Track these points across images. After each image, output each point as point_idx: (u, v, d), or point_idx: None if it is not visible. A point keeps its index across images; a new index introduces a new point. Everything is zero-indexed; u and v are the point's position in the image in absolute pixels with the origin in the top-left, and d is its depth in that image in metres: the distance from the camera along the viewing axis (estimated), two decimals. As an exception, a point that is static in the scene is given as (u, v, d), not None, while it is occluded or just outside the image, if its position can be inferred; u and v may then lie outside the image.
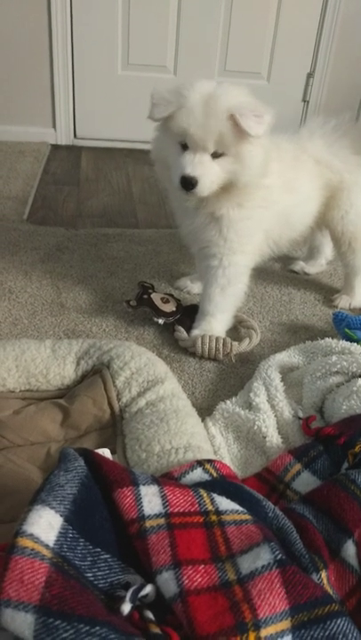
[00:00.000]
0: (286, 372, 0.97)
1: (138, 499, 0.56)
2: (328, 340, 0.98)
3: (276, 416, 0.85)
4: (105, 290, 1.26)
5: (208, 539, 0.54)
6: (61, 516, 0.50)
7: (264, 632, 0.45)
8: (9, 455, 0.75)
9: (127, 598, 0.47)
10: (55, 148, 2.24)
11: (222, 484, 0.64)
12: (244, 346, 1.07)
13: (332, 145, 1.11)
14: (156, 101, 0.91)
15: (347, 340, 0.98)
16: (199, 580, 0.50)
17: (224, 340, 1.04)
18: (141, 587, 0.49)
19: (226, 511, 0.58)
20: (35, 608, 0.42)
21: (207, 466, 0.69)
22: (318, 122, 1.14)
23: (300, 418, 0.84)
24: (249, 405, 0.87)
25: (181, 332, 1.08)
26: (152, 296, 1.13)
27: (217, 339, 1.04)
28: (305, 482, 0.72)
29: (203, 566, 0.51)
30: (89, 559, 0.50)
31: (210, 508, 0.58)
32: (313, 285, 1.35)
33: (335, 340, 0.97)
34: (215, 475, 0.68)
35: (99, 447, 0.73)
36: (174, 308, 1.13)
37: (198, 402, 0.94)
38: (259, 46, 2.17)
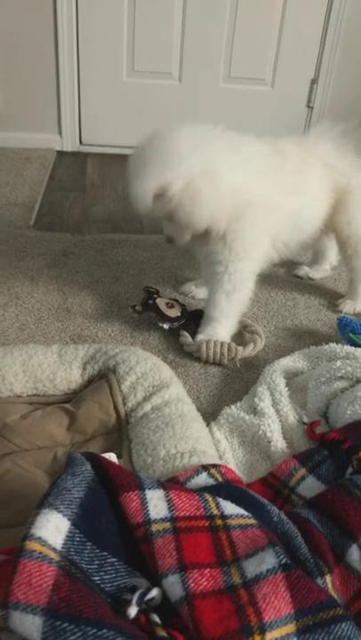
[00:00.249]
0: (291, 377, 0.97)
1: (144, 503, 0.57)
2: (333, 345, 0.99)
3: (280, 421, 0.85)
4: (110, 295, 1.27)
5: (213, 543, 0.55)
6: (69, 519, 0.51)
7: (269, 635, 0.46)
8: (16, 459, 0.76)
9: (134, 602, 0.48)
10: (61, 154, 2.26)
11: (227, 488, 0.65)
12: (249, 351, 1.07)
13: (340, 148, 1.12)
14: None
15: (351, 345, 0.99)
16: (205, 583, 0.50)
17: (229, 344, 1.05)
18: (148, 590, 0.49)
19: (231, 515, 0.58)
20: (43, 611, 0.43)
21: (212, 470, 0.69)
22: (326, 125, 1.15)
23: (304, 423, 0.85)
24: (254, 410, 0.88)
25: (186, 336, 1.09)
26: (157, 301, 1.14)
27: (222, 344, 1.05)
28: (310, 486, 0.73)
29: (208, 570, 0.51)
30: (96, 563, 0.51)
31: (215, 512, 0.58)
32: (317, 290, 1.36)
33: (340, 345, 0.97)
34: (220, 479, 0.68)
35: (105, 451, 0.74)
36: (179, 313, 1.14)
37: (203, 406, 0.95)
38: (263, 53, 2.19)
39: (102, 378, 0.90)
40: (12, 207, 1.70)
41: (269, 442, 0.82)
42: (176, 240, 1.05)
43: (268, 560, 0.51)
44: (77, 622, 0.42)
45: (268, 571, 0.50)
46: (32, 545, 0.47)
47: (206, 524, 0.57)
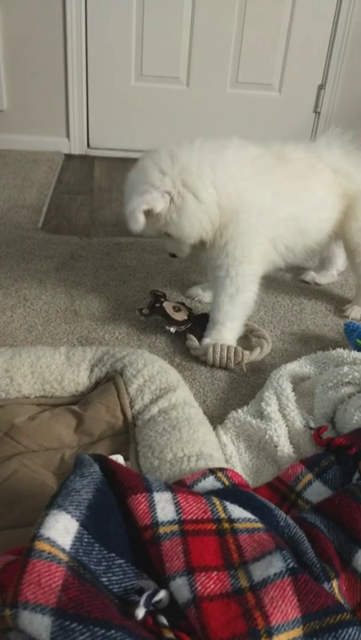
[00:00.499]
0: (298, 382, 0.97)
1: (152, 505, 0.57)
2: (340, 350, 0.99)
3: (287, 426, 0.86)
4: (118, 298, 1.27)
5: (221, 546, 0.55)
6: (77, 520, 0.51)
7: (276, 639, 0.46)
8: (24, 460, 0.76)
9: (141, 603, 0.48)
10: (69, 157, 2.27)
11: (234, 492, 0.65)
12: (256, 355, 1.07)
13: (350, 155, 1.12)
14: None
15: (358, 351, 0.99)
16: (212, 586, 0.50)
17: (235, 349, 1.05)
18: (155, 592, 0.49)
19: (238, 519, 0.58)
20: (52, 611, 0.43)
21: (219, 474, 0.69)
22: (336, 132, 1.15)
23: (311, 428, 0.85)
24: (260, 415, 0.88)
25: (193, 340, 1.09)
26: (164, 305, 1.15)
27: (228, 348, 1.05)
28: (316, 492, 0.73)
29: (215, 573, 0.52)
30: (104, 564, 0.51)
31: (222, 515, 0.58)
32: (324, 296, 1.36)
33: (347, 351, 0.97)
34: (227, 483, 0.68)
35: (112, 453, 0.74)
36: (186, 317, 1.14)
37: (210, 410, 0.95)
38: (271, 58, 2.20)
39: (110, 380, 0.90)
40: (20, 209, 1.71)
41: (276, 446, 0.82)
42: (177, 254, 1.11)
43: (275, 564, 0.52)
44: (86, 623, 0.43)
45: (275, 575, 0.51)
46: (41, 545, 0.47)
47: (213, 528, 0.57)
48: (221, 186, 0.99)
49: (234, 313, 1.10)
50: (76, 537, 0.50)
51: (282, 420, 0.86)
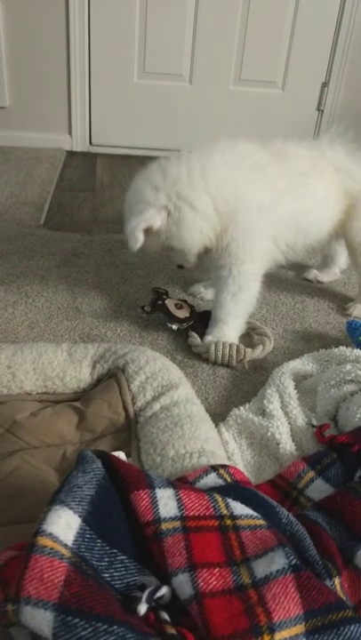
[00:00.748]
0: (300, 380, 0.97)
1: (154, 501, 0.57)
2: (342, 348, 0.99)
3: (289, 423, 0.85)
4: (119, 295, 1.27)
5: (223, 542, 0.55)
6: (79, 516, 0.51)
7: (278, 636, 0.46)
8: (25, 456, 0.76)
9: (143, 599, 0.48)
10: (71, 154, 2.26)
11: (236, 489, 0.65)
12: (258, 353, 1.07)
13: (354, 153, 1.11)
14: None
15: None
16: (214, 582, 0.50)
17: (238, 346, 1.05)
18: (157, 588, 0.49)
19: (240, 516, 0.58)
20: (54, 606, 0.43)
21: (221, 471, 0.69)
22: (339, 130, 1.14)
23: (313, 425, 0.85)
24: (262, 412, 0.88)
25: (195, 337, 1.09)
26: (166, 302, 1.15)
27: (230, 345, 1.05)
28: (318, 489, 0.73)
29: (218, 569, 0.52)
30: (106, 560, 0.51)
31: (224, 512, 0.58)
32: (327, 294, 1.36)
33: (349, 349, 0.97)
34: (229, 480, 0.68)
35: (114, 450, 0.74)
36: (188, 314, 1.14)
37: (212, 407, 0.95)
38: (274, 56, 2.19)
39: (112, 377, 0.90)
40: (22, 206, 1.71)
41: (278, 444, 0.82)
42: (184, 265, 1.13)
43: (277, 560, 0.51)
44: (88, 618, 0.43)
45: (277, 571, 0.51)
46: (44, 541, 0.47)
47: (216, 524, 0.57)
48: (215, 190, 1.00)
49: (236, 311, 1.10)
50: (78, 533, 0.50)
51: (284, 418, 0.86)
